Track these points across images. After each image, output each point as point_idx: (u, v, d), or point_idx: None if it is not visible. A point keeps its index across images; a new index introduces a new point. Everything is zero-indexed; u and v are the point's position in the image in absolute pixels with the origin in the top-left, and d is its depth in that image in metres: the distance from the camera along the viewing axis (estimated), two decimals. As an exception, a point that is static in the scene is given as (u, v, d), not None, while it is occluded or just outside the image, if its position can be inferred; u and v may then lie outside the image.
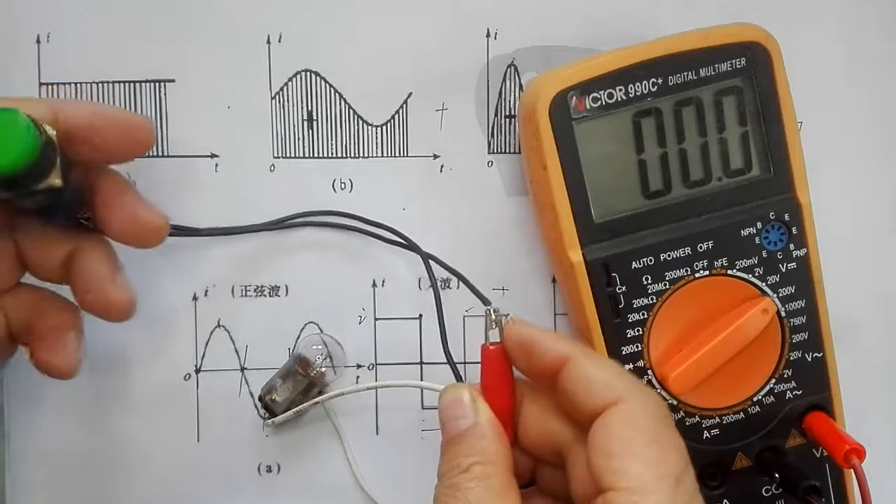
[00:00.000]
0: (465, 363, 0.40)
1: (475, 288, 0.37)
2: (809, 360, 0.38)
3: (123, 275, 0.35)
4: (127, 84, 0.40)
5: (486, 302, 0.34)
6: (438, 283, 0.40)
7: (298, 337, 0.41)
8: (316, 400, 0.39)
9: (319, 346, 0.40)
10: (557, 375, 0.31)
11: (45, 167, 0.31)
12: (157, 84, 0.40)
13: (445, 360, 0.38)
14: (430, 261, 0.39)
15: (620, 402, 0.30)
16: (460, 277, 0.39)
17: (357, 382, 0.41)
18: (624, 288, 0.37)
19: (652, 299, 0.37)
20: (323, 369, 0.39)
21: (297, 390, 0.39)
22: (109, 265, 0.35)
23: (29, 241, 0.34)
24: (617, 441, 0.29)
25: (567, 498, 0.32)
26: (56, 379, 0.35)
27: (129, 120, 0.34)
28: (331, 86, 0.40)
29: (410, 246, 0.39)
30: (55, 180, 0.31)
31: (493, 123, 0.41)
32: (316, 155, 0.41)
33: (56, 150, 0.31)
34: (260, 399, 0.39)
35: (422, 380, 0.41)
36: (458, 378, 0.38)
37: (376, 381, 0.41)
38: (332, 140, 0.40)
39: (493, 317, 0.33)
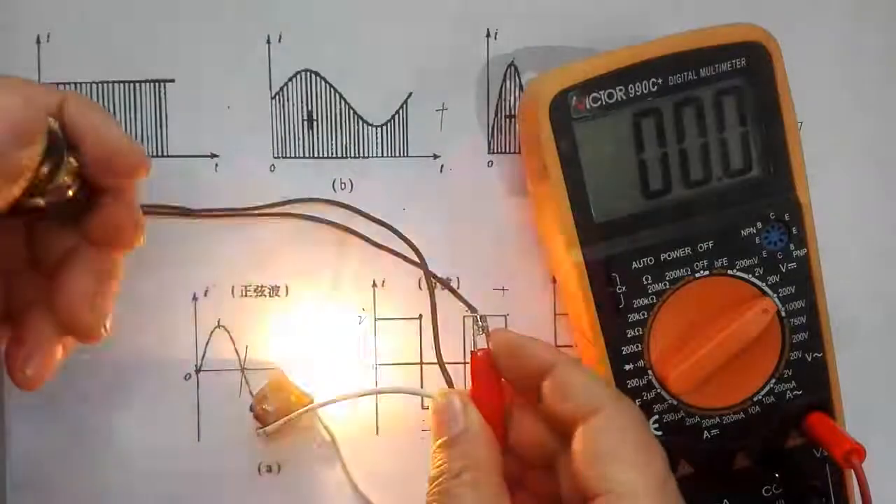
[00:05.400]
0: (464, 364, 0.40)
1: (461, 296, 0.38)
2: (809, 360, 0.38)
3: (107, 297, 0.33)
4: (127, 84, 0.40)
5: (473, 309, 0.35)
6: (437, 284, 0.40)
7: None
8: (308, 407, 0.39)
9: None
10: (541, 383, 0.31)
11: (52, 170, 0.30)
12: (157, 84, 0.40)
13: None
14: (421, 260, 0.39)
15: (602, 410, 0.30)
16: (447, 286, 0.39)
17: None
18: (624, 288, 0.37)
19: (652, 299, 0.37)
20: None
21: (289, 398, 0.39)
22: (95, 281, 0.33)
23: (40, 224, 0.34)
24: (604, 447, 0.29)
25: (556, 500, 0.32)
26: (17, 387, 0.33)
27: (121, 145, 0.32)
28: (331, 86, 0.40)
29: (402, 255, 0.39)
30: (63, 179, 0.30)
31: (493, 123, 0.41)
32: (316, 155, 0.40)
33: (63, 147, 0.30)
34: (251, 409, 0.39)
35: (421, 380, 0.41)
36: (450, 383, 0.38)
37: (376, 381, 0.41)
38: (332, 140, 0.40)
39: (481, 323, 0.33)
